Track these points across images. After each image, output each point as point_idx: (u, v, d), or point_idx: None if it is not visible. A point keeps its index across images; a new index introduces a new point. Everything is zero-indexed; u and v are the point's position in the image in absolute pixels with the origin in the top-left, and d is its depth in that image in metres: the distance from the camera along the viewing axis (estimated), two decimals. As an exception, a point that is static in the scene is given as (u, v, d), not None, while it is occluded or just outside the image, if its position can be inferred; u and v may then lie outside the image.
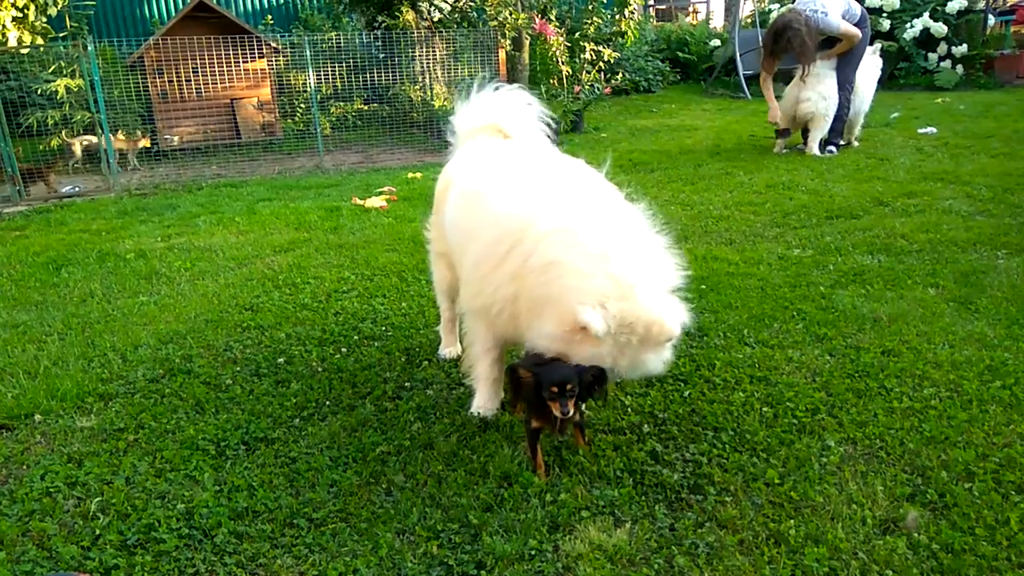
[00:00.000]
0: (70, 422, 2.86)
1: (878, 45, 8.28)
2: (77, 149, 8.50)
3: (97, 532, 2.20)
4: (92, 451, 2.65)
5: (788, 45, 7.02)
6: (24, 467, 2.58)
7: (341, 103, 10.03)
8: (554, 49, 9.77)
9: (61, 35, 10.04)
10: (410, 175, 7.58)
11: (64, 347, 3.56)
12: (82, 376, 3.23)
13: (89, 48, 7.28)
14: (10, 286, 4.52)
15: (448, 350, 3.32)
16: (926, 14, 12.29)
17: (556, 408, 2.19)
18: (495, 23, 9.24)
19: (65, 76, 8.58)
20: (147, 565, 2.07)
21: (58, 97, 8.53)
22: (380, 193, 6.68)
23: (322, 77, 9.32)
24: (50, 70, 8.74)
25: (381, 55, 10.07)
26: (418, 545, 2.11)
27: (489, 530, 2.13)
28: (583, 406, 2.41)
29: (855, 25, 7.17)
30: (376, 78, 9.82)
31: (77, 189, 7.56)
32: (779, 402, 2.76)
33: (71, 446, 2.69)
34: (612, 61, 10.58)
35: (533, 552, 2.05)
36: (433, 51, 9.79)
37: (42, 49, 9.16)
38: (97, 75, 7.34)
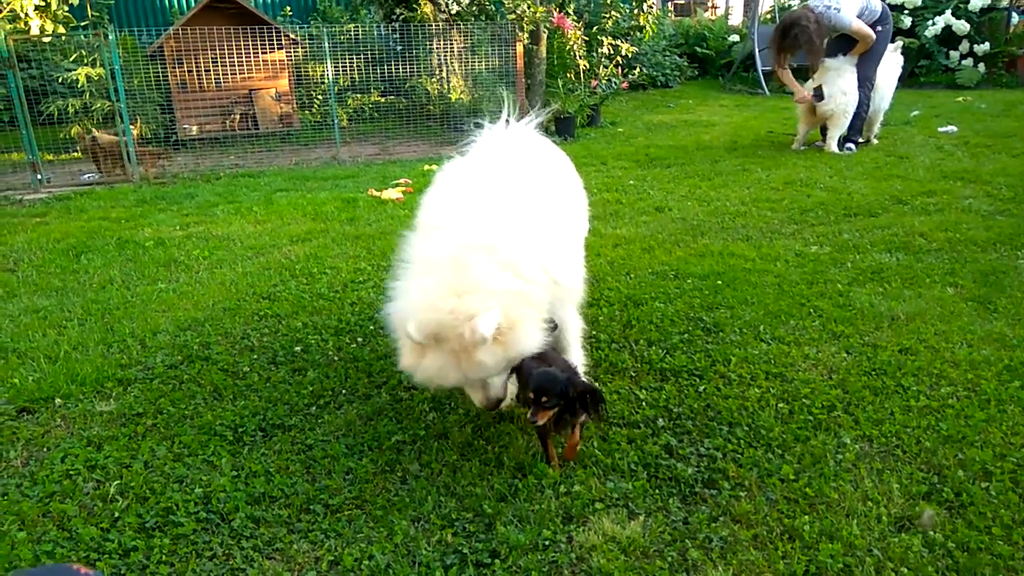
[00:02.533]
0: (90, 406, 2.90)
1: (899, 43, 8.20)
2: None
3: (116, 515, 2.24)
4: (111, 435, 2.69)
5: (795, 42, 6.95)
6: (45, 449, 2.62)
7: (358, 95, 10.03)
8: (572, 43, 9.74)
9: (82, 24, 10.11)
10: (426, 167, 7.58)
11: (84, 332, 3.60)
12: (102, 361, 3.27)
13: (110, 37, 7.32)
14: (31, 272, 4.57)
15: None
16: (948, 11, 12.16)
17: (529, 412, 2.21)
18: (513, 16, 9.20)
19: (86, 65, 8.62)
20: (165, 548, 2.09)
21: (79, 86, 8.58)
22: (396, 185, 6.69)
23: (340, 69, 9.33)
24: (71, 59, 8.80)
25: (399, 47, 10.07)
26: (433, 533, 2.12)
27: (503, 520, 2.15)
28: (580, 420, 2.34)
29: (877, 22, 7.08)
30: (393, 70, 9.82)
31: (95, 177, 7.62)
32: (795, 399, 2.76)
33: (91, 430, 2.73)
34: (630, 56, 10.54)
35: (547, 542, 2.06)
36: (451, 44, 9.79)
37: (63, 38, 9.23)
38: (118, 64, 7.37)
